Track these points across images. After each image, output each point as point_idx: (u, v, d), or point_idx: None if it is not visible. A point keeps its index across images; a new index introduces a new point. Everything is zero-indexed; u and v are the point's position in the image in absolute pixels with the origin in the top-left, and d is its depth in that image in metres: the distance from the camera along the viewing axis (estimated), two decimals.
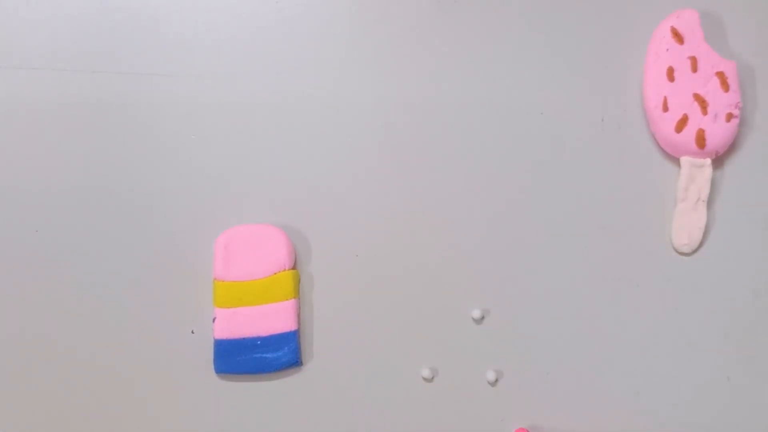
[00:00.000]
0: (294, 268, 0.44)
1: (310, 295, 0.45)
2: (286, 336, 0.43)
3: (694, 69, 0.44)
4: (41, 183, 0.46)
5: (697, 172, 0.44)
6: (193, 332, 0.44)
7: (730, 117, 0.44)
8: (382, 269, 0.44)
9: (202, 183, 0.46)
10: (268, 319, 0.43)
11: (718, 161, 0.45)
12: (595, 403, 0.43)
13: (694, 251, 0.45)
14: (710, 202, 0.45)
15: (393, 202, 0.45)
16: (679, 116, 0.44)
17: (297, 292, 0.44)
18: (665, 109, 0.44)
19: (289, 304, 0.44)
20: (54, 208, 0.45)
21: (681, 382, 0.43)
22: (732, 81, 0.44)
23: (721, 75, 0.44)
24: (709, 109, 0.44)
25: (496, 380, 0.43)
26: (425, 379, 0.44)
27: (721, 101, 0.44)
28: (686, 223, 0.44)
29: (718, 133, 0.44)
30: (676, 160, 0.45)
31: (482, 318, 0.44)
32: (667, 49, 0.45)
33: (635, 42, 0.46)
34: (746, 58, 0.46)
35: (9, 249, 0.45)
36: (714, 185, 0.45)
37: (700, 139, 0.44)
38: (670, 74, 0.44)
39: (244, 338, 0.43)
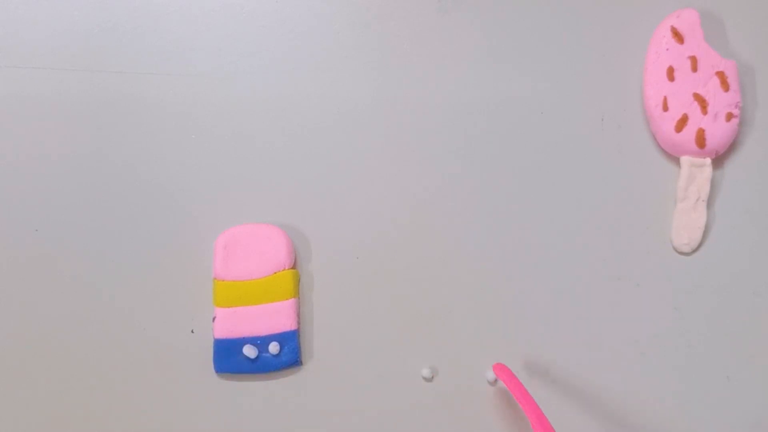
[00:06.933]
0: (294, 267, 0.44)
1: (310, 294, 0.45)
2: (286, 336, 0.43)
3: (694, 68, 0.44)
4: (41, 183, 0.46)
5: (697, 172, 0.44)
6: (192, 332, 0.44)
7: (730, 117, 0.44)
8: (382, 268, 0.44)
9: (202, 183, 0.46)
10: (268, 318, 0.43)
11: (718, 161, 0.45)
12: (594, 403, 0.43)
13: (694, 251, 0.45)
14: (710, 202, 0.45)
15: (393, 201, 0.45)
16: (679, 116, 0.44)
17: (297, 291, 0.44)
18: (665, 108, 0.44)
19: (289, 304, 0.44)
20: (54, 208, 0.45)
21: (681, 382, 0.43)
22: (732, 81, 0.44)
23: (721, 75, 0.44)
24: (709, 109, 0.44)
25: (496, 380, 0.43)
26: (425, 379, 0.44)
27: (721, 101, 0.44)
28: (686, 223, 0.44)
29: (718, 133, 0.44)
30: (676, 160, 0.45)
31: (482, 318, 0.44)
32: (667, 49, 0.45)
33: (635, 42, 0.46)
34: (746, 58, 0.46)
35: (9, 249, 0.45)
36: (714, 185, 0.45)
37: (700, 139, 0.44)
38: (670, 74, 0.44)
39: (244, 338, 0.43)
